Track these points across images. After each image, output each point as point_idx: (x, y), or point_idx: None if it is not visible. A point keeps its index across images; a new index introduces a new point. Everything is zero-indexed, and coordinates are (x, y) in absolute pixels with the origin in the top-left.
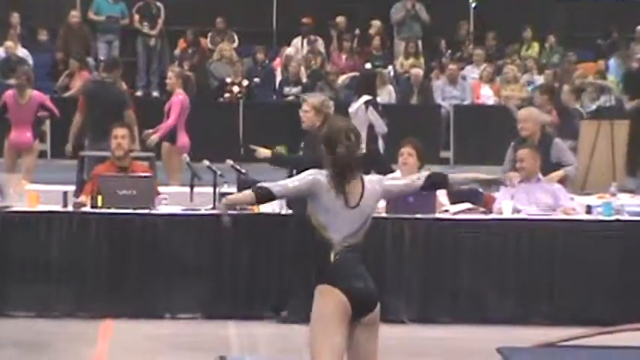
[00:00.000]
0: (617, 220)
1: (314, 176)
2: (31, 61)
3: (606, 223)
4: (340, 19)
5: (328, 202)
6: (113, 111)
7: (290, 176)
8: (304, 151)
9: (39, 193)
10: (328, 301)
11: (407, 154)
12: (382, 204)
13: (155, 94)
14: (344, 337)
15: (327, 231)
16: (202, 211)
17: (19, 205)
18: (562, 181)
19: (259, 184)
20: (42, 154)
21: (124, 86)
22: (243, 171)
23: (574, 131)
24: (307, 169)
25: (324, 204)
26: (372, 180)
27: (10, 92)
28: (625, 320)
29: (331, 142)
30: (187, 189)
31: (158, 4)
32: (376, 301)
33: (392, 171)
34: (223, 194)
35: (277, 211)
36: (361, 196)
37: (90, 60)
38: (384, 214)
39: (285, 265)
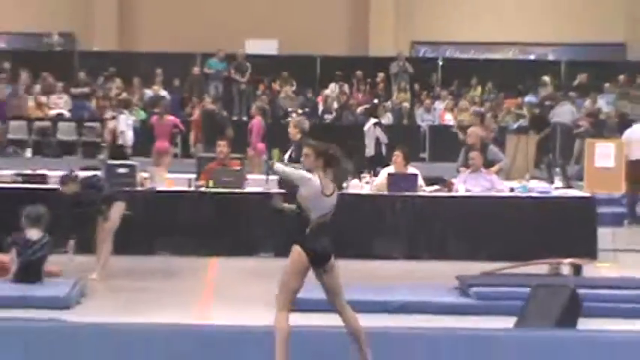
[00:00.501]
0: (529, 197)
1: (308, 174)
2: (168, 97)
3: (523, 198)
4: (359, 73)
5: (313, 191)
6: (218, 129)
7: None
8: (295, 153)
9: (173, 180)
10: (296, 258)
11: (397, 155)
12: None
13: (244, 118)
14: (300, 283)
15: (310, 212)
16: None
17: (162, 187)
18: (497, 172)
19: None
20: (175, 155)
21: (225, 113)
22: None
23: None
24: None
25: (310, 193)
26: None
27: (155, 117)
28: (536, 257)
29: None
30: (264, 176)
31: (247, 63)
32: (330, 256)
33: (388, 165)
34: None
35: None
36: (333, 192)
37: (205, 97)
38: (385, 192)
39: None
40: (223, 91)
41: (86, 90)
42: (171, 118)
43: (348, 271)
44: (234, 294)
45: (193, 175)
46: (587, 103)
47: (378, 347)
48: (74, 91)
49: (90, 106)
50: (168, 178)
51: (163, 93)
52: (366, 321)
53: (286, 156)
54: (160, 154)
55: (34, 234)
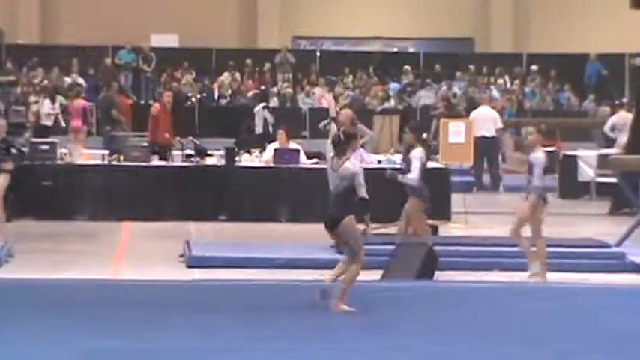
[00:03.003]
0: (393, 168)
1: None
2: (84, 84)
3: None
4: (248, 62)
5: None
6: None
7: None
8: None
9: (89, 154)
10: None
11: (280, 133)
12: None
13: (150, 102)
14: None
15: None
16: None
17: (79, 161)
18: (363, 145)
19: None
20: (90, 133)
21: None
22: (197, 142)
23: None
24: None
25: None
26: (354, 162)
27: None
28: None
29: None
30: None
31: (152, 54)
32: (333, 221)
33: (274, 141)
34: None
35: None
36: (340, 167)
37: (115, 84)
38: (271, 164)
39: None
40: (133, 80)
41: (12, 78)
42: (81, 101)
43: (244, 231)
44: (142, 253)
45: (106, 151)
46: (443, 89)
47: (267, 297)
48: (2, 79)
49: (16, 92)
50: (85, 153)
51: (80, 80)
52: (256, 275)
53: None
54: (75, 132)
55: None
